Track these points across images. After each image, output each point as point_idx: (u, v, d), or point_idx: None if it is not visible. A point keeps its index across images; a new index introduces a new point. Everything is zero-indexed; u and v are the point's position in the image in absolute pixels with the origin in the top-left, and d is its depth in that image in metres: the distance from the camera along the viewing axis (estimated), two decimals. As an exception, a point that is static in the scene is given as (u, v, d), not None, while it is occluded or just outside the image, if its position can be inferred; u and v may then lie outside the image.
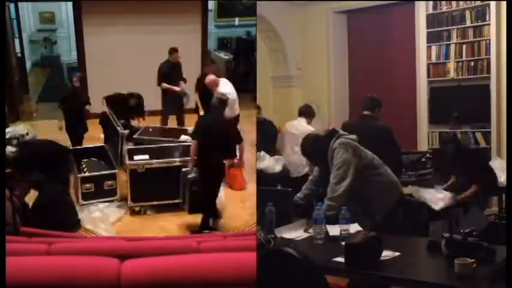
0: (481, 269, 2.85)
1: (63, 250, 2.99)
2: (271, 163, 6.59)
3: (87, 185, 6.19)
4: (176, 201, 6.26)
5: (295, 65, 9.25)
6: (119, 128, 6.62)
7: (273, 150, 6.92)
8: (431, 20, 7.81)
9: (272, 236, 3.60)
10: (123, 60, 8.24)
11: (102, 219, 5.97)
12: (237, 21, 12.14)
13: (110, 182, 6.29)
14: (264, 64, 9.07)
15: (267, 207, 3.83)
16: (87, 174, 6.28)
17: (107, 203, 6.26)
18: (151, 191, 6.14)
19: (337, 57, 9.06)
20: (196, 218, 5.93)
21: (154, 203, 6.20)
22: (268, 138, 6.88)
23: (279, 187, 4.85)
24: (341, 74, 9.14)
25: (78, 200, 6.17)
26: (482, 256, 2.96)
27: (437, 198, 4.97)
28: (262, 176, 6.24)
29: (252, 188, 6.52)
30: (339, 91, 9.11)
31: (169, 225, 5.96)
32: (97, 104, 8.50)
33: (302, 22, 9.13)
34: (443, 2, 7.72)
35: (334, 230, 3.63)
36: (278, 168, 6.58)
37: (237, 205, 6.50)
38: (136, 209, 6.19)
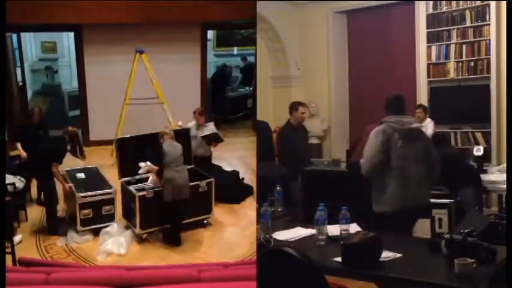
0: (481, 269, 2.85)
1: (61, 280, 2.96)
2: None
3: (86, 211, 6.01)
4: (192, 219, 6.26)
5: (295, 65, 9.25)
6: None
7: (270, 157, 6.83)
8: (431, 20, 7.81)
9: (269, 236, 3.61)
10: (123, 89, 8.31)
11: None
12: (235, 50, 12.28)
13: (108, 207, 6.13)
14: (264, 64, 9.07)
15: (262, 208, 3.84)
16: (86, 200, 6.05)
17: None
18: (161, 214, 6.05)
19: (337, 57, 9.06)
20: (197, 247, 5.94)
21: (166, 226, 6.08)
22: (263, 144, 6.80)
23: (278, 188, 4.85)
24: (341, 74, 9.15)
25: (77, 227, 6.03)
26: (482, 256, 2.95)
27: None
28: (262, 179, 6.20)
29: (252, 215, 6.47)
30: (339, 91, 9.11)
31: (169, 253, 5.82)
32: (97, 132, 8.58)
33: (302, 22, 9.13)
34: (443, 2, 7.72)
35: (334, 230, 3.64)
36: None
37: (237, 234, 6.40)
38: (144, 236, 6.03)
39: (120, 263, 5.49)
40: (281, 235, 3.81)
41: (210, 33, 11.01)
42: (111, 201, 6.17)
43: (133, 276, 3.16)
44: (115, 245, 5.78)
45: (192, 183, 6.17)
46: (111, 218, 6.15)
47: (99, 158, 7.99)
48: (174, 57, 9.26)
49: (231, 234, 6.42)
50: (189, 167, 6.59)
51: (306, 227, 3.92)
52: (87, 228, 6.05)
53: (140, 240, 6.01)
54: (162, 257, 5.71)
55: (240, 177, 7.65)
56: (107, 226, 6.04)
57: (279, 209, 4.75)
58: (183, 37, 9.32)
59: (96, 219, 6.08)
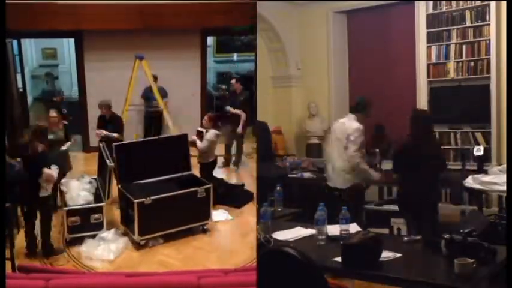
0: (481, 269, 2.85)
1: (61, 286, 2.95)
2: None
3: (73, 218, 5.92)
4: (193, 225, 6.24)
5: (295, 65, 9.25)
6: (108, 161, 6.33)
7: (268, 157, 6.80)
8: (431, 20, 7.81)
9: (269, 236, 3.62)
10: (123, 95, 8.32)
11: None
12: (235, 56, 12.35)
13: (96, 216, 6.04)
14: (264, 64, 9.07)
15: (262, 208, 3.85)
16: (73, 207, 6.00)
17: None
18: (161, 221, 6.01)
19: (337, 57, 9.06)
20: (197, 253, 5.91)
21: (167, 232, 6.05)
22: (262, 144, 6.79)
23: (278, 188, 4.85)
24: (341, 74, 9.14)
25: (64, 234, 5.97)
26: (482, 256, 2.96)
27: None
28: (261, 179, 6.19)
29: (252, 221, 6.42)
30: (339, 91, 9.11)
31: (169, 259, 5.77)
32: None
33: (302, 22, 9.13)
34: (443, 2, 7.72)
35: (334, 230, 3.64)
36: None
37: (238, 240, 6.36)
38: (142, 242, 5.96)
39: (120, 270, 5.45)
40: (281, 235, 3.81)
41: (210, 40, 11.04)
42: (99, 210, 6.12)
43: (133, 283, 3.15)
44: (105, 251, 5.75)
45: (190, 189, 6.17)
46: (99, 226, 6.09)
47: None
48: (174, 63, 9.26)
49: (231, 241, 6.40)
50: (187, 173, 6.60)
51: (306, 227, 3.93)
52: (74, 235, 5.99)
53: (139, 246, 5.98)
54: (162, 263, 5.67)
55: (241, 183, 7.65)
56: (95, 235, 6.00)
57: (279, 209, 4.76)
58: (183, 43, 9.32)
59: (84, 227, 6.02)
